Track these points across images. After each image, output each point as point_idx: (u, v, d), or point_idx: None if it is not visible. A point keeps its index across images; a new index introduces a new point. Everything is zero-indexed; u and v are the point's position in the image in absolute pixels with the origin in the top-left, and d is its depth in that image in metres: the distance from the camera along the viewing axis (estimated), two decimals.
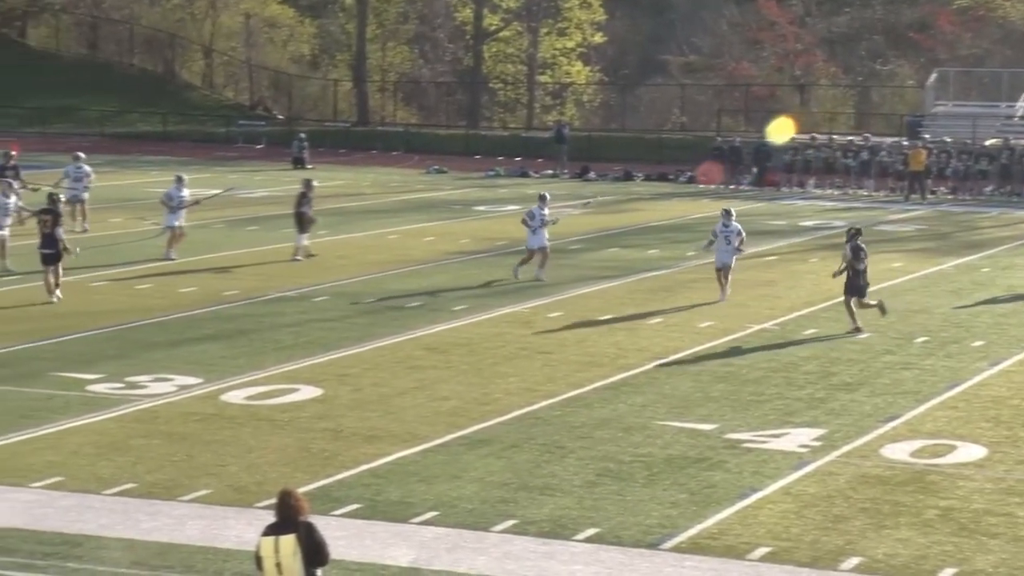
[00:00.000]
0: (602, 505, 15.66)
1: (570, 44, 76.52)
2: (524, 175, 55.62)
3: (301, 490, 11.60)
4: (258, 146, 65.47)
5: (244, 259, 32.51)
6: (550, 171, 56.31)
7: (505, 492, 16.03)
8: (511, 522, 15.06)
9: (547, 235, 30.63)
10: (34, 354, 22.62)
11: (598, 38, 76.20)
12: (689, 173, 53.96)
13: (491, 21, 76.23)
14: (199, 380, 20.95)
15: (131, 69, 79.39)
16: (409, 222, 40.15)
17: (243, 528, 14.44)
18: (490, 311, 26.75)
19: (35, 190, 36.00)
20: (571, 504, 15.68)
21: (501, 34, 77.26)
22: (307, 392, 20.40)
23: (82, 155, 38.61)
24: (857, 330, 24.97)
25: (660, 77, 78.81)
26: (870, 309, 25.35)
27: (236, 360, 22.34)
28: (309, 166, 56.07)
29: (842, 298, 25.33)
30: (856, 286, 25.07)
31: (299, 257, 32.30)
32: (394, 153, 62.88)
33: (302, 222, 32.83)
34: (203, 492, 15.88)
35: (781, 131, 53.32)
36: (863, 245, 25.29)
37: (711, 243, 28.53)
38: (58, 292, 27.17)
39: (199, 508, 15.38)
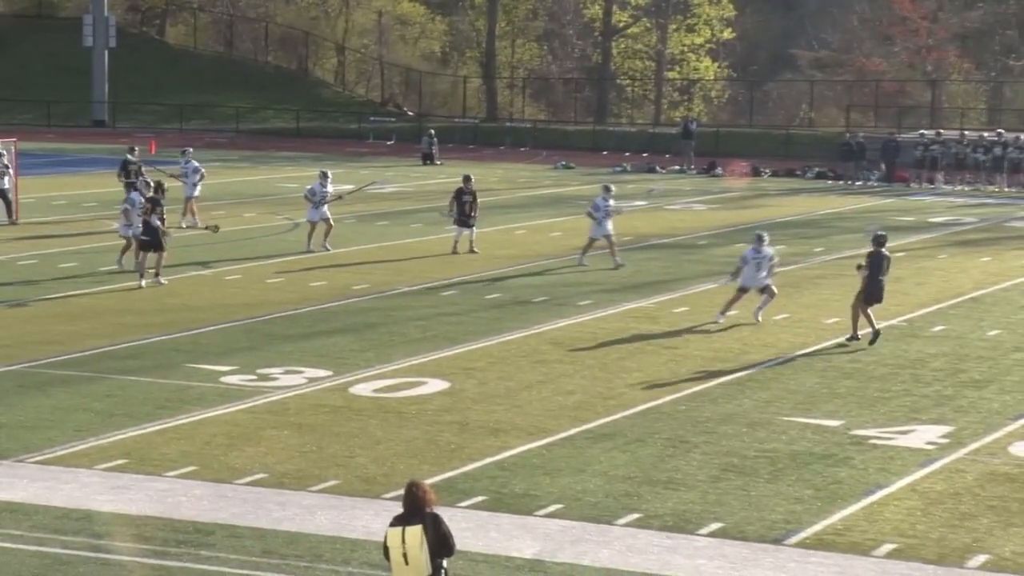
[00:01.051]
0: (726, 500, 15.58)
1: (699, 40, 76.15)
2: (651, 171, 55.49)
3: (428, 482, 11.65)
4: (388, 142, 65.98)
5: (375, 254, 32.76)
6: (677, 167, 56.12)
7: (629, 486, 16.01)
8: (635, 516, 15.04)
9: (611, 225, 31.12)
10: (170, 346, 23.00)
11: (727, 34, 75.75)
12: (817, 169, 53.47)
13: (620, 17, 76.07)
14: (328, 372, 21.16)
15: (265, 66, 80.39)
16: (537, 217, 40.20)
17: (371, 519, 14.56)
18: (615, 306, 26.71)
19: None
20: (695, 499, 15.62)
21: (630, 30, 77.07)
22: (434, 385, 20.52)
23: (190, 150, 38.87)
24: (854, 338, 23.47)
25: (789, 73, 78.14)
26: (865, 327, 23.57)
27: (364, 353, 22.53)
28: (439, 162, 56.42)
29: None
30: (872, 294, 23.35)
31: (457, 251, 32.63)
32: (522, 149, 63.02)
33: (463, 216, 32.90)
34: (332, 483, 16.04)
35: None
36: (887, 254, 23.57)
37: (738, 271, 25.31)
38: (161, 279, 28.03)
39: (328, 498, 15.53)
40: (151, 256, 28.43)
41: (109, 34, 73.23)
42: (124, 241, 30.03)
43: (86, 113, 73.29)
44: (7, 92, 72.78)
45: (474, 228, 32.93)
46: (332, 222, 33.09)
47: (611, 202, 31.37)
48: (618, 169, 55.72)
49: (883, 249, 23.63)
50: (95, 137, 67.01)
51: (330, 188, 33.33)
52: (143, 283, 27.78)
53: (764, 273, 25.12)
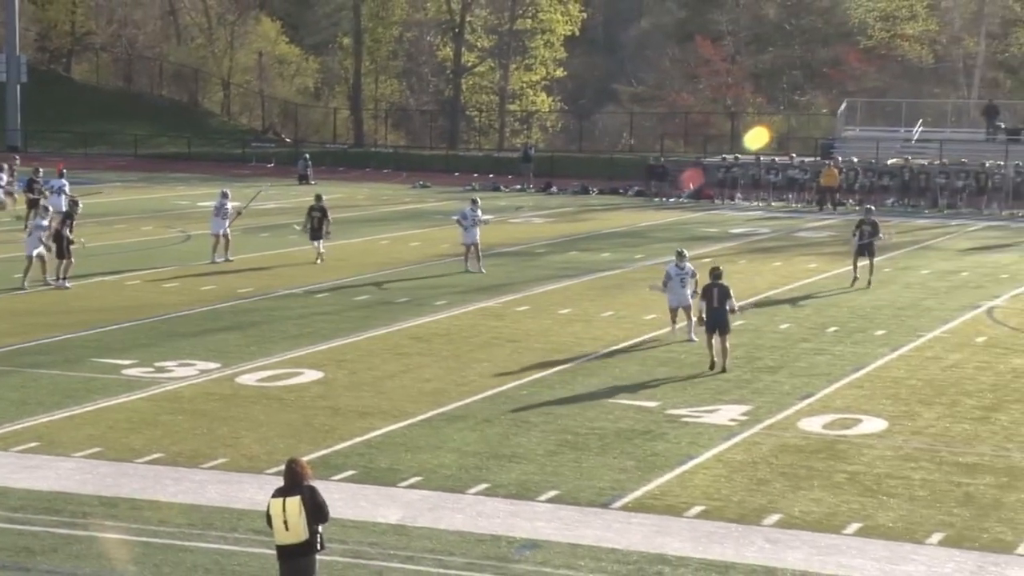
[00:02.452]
0: (561, 471, 15.66)
1: (535, 77, 76.46)
2: (496, 189, 55.54)
3: (305, 458, 11.54)
4: (269, 165, 65.22)
5: (258, 261, 32.37)
6: (518, 186, 56.24)
7: (478, 460, 16.02)
8: (484, 486, 15.05)
9: (478, 233, 31.04)
10: (77, 343, 22.50)
11: (559, 72, 76.20)
12: (636, 187, 53.99)
13: (468, 58, 76.12)
14: (218, 365, 20.86)
15: (160, 99, 79.03)
16: (399, 229, 40.06)
17: (255, 491, 14.40)
18: (467, 305, 26.71)
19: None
20: (535, 470, 15.67)
21: (477, 69, 77.14)
22: (310, 375, 20.34)
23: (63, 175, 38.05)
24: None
25: (612, 105, 78.86)
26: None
27: (249, 348, 22.25)
28: (313, 182, 55.91)
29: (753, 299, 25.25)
30: (714, 322, 21.01)
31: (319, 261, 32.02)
32: (385, 171, 62.73)
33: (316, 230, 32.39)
34: (221, 460, 15.82)
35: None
36: (724, 284, 21.23)
37: (665, 285, 23.41)
38: (67, 283, 27.75)
39: (217, 474, 15.32)
40: (61, 263, 27.74)
41: (21, 70, 71.49)
42: (28, 261, 28.25)
43: (1, 140, 71.31)
44: None
45: (322, 241, 32.19)
46: (230, 236, 32.52)
47: (479, 212, 31.31)
48: (468, 188, 55.66)
49: (720, 281, 21.15)
50: (8, 161, 65.09)
51: (230, 205, 32.76)
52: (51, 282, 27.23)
53: (689, 290, 23.08)
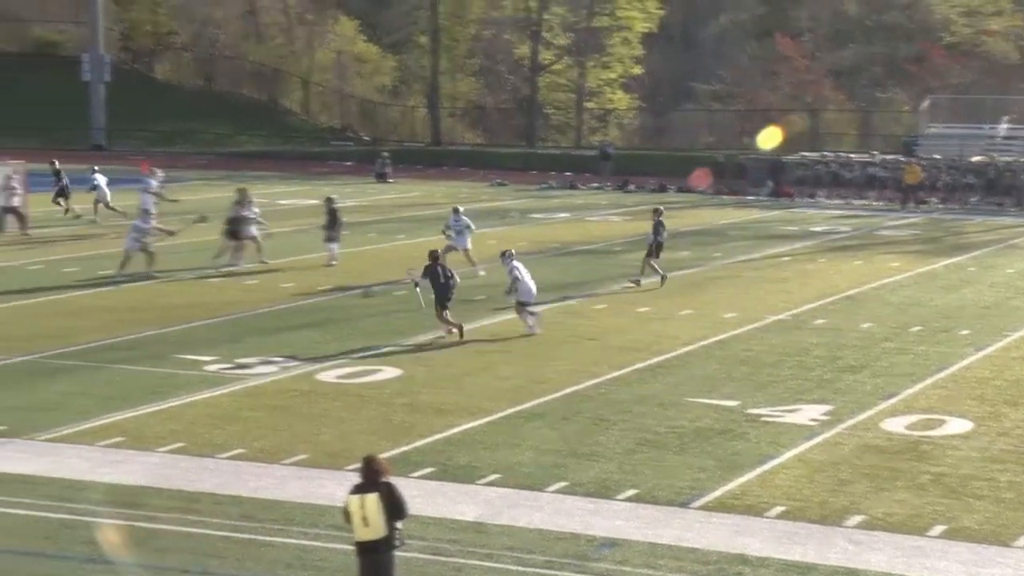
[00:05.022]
0: (640, 469, 15.61)
1: (613, 75, 76.30)
2: (573, 188, 55.49)
3: (383, 455, 11.60)
4: (347, 163, 65.65)
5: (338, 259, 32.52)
6: (595, 184, 56.16)
7: (557, 458, 16.00)
8: (562, 483, 15.04)
9: (469, 240, 30.59)
10: (161, 339, 22.78)
11: (637, 70, 75.95)
12: (715, 186, 53.66)
13: (545, 56, 76.11)
14: (298, 362, 21.03)
15: (241, 98, 79.86)
16: (476, 227, 40.07)
17: (335, 487, 14.48)
18: (545, 303, 26.66)
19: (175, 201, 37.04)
20: (613, 468, 15.63)
21: (554, 67, 77.12)
22: (389, 372, 20.44)
23: (158, 172, 38.30)
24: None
25: (690, 103, 78.45)
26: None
27: (329, 345, 22.41)
28: (391, 180, 56.21)
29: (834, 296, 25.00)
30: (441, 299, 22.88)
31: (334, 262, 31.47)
32: (462, 169, 62.89)
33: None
34: (301, 456, 15.94)
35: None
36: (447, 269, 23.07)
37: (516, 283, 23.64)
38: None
39: (298, 470, 15.44)
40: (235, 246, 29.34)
41: (105, 70, 72.58)
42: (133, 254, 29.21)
43: (86, 139, 72.45)
44: (16, 121, 71.77)
45: (335, 244, 31.65)
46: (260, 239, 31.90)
47: (463, 219, 31.03)
48: (544, 186, 55.69)
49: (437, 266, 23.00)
50: (94, 159, 66.11)
51: (257, 210, 32.26)
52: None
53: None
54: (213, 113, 75.62)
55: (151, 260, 29.41)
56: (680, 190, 53.96)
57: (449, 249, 30.27)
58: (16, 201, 36.38)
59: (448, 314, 23.08)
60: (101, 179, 39.84)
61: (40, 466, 15.38)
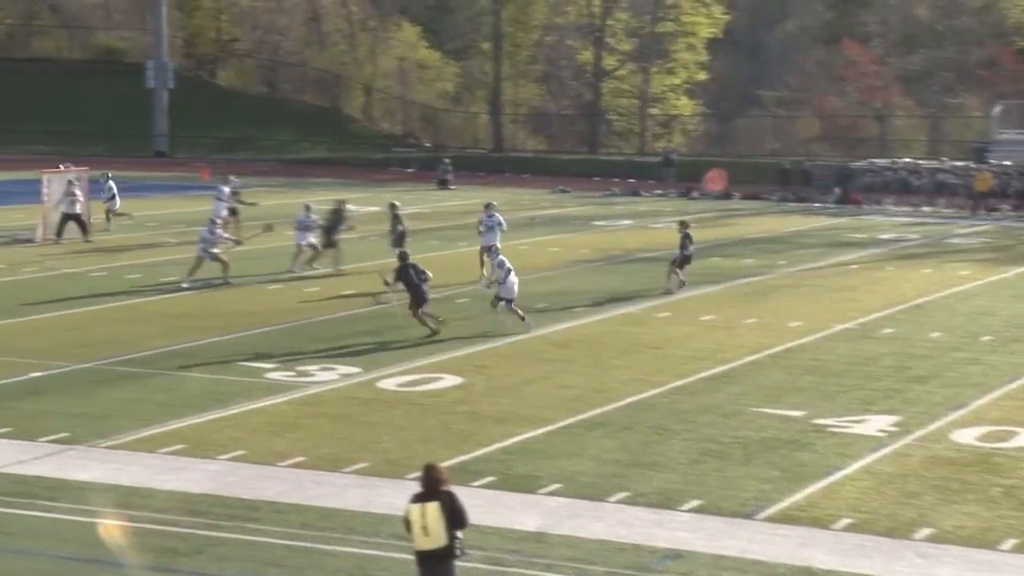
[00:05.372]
0: (704, 480, 15.51)
1: (677, 81, 76.04)
2: (636, 194, 55.35)
3: (443, 464, 11.60)
4: (409, 170, 65.87)
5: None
6: (659, 191, 55.98)
7: (619, 468, 15.94)
8: (624, 494, 14.97)
9: (497, 237, 30.43)
10: (222, 346, 22.94)
11: (701, 76, 75.66)
12: (780, 192, 53.32)
13: (609, 62, 76.03)
14: (358, 369, 21.10)
15: (303, 105, 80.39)
16: (537, 235, 40.14)
17: (395, 496, 14.49)
18: (606, 312, 26.63)
19: (252, 204, 37.33)
20: (677, 479, 15.55)
21: (617, 73, 77.01)
22: (449, 380, 20.46)
23: (232, 179, 38.65)
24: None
25: (756, 109, 78.03)
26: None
27: (389, 352, 22.47)
28: (452, 187, 56.34)
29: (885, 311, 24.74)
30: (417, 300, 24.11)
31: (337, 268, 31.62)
32: (524, 175, 62.92)
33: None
34: (361, 465, 15.99)
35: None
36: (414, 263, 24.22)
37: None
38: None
39: (358, 478, 15.48)
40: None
41: (168, 77, 73.35)
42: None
43: (148, 145, 73.28)
44: (79, 127, 72.74)
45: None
46: (317, 247, 32.05)
47: (496, 216, 31.10)
48: (607, 193, 55.60)
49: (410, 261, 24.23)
50: (156, 166, 66.96)
51: (314, 217, 32.54)
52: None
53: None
54: (275, 120, 76.18)
55: (225, 268, 29.62)
56: (744, 197, 53.66)
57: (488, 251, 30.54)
58: (78, 208, 36.81)
59: (427, 310, 23.91)
60: (113, 187, 39.88)
61: (102, 473, 15.53)
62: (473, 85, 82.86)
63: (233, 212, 36.16)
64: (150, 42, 77.22)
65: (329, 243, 31.79)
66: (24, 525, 13.81)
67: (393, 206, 32.65)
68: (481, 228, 31.15)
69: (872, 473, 15.83)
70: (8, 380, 20.12)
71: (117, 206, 39.96)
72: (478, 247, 31.20)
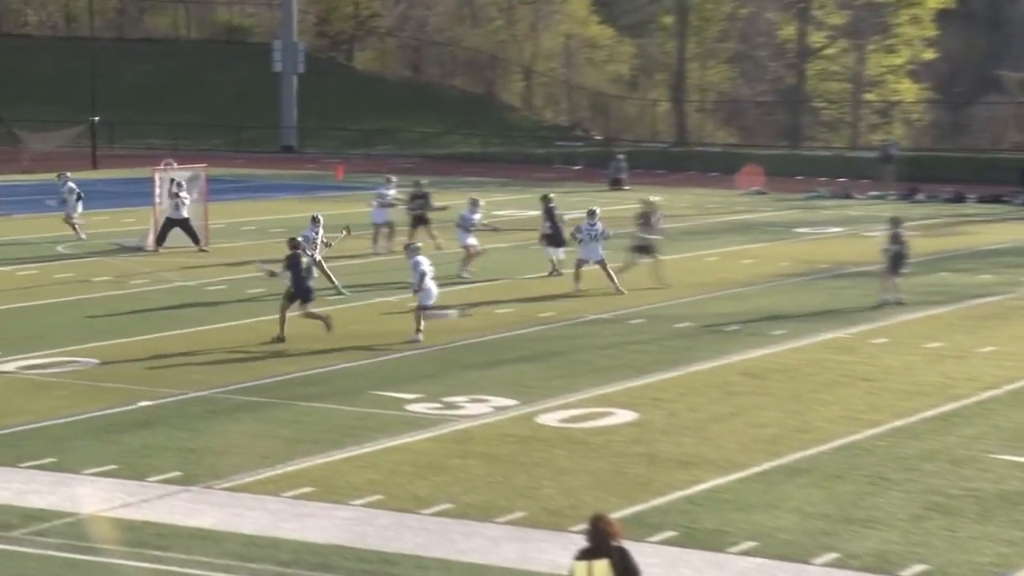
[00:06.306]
0: (930, 541, 15.22)
1: (898, 61, 75.03)
2: (848, 196, 54.72)
3: (614, 515, 11.58)
4: (575, 167, 66.10)
5: (560, 282, 32.70)
6: (875, 192, 55.26)
7: (826, 524, 15.73)
8: (832, 555, 14.77)
9: (600, 249, 31.25)
10: (355, 372, 23.26)
11: (929, 55, 74.45)
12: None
13: (815, 38, 75.35)
14: (514, 401, 21.19)
15: (452, 91, 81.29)
16: (727, 244, 39.91)
17: (557, 552, 14.50)
18: (811, 336, 26.34)
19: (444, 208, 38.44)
20: (896, 538, 15.28)
21: (825, 51, 76.28)
22: (622, 416, 20.43)
23: (393, 179, 39.52)
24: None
25: (995, 95, 76.48)
26: None
27: (551, 382, 22.53)
28: (626, 187, 56.36)
29: None
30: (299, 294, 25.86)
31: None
32: (712, 174, 62.66)
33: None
34: (518, 514, 16.03)
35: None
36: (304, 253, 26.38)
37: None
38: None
39: (514, 530, 15.53)
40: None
41: (298, 59, 74.71)
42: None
43: (274, 139, 74.85)
44: (198, 117, 74.69)
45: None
46: (478, 249, 33.84)
47: (598, 225, 31.38)
48: (812, 195, 55.07)
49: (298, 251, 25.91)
50: (283, 163, 68.37)
51: (478, 216, 34.30)
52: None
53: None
54: (420, 108, 77.18)
55: (330, 276, 30.30)
56: (980, 200, 52.62)
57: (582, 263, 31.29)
58: (184, 212, 37.64)
59: (309, 308, 25.60)
60: (75, 188, 40.02)
61: (218, 519, 15.84)
62: (652, 67, 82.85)
63: (422, 220, 37.06)
64: (278, 19, 78.97)
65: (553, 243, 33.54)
66: None
67: (546, 198, 34.26)
68: (580, 237, 31.51)
69: None
70: (113, 410, 20.68)
71: (79, 211, 40.03)
72: (646, 259, 31.76)
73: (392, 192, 38.04)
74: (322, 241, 30.82)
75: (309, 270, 25.98)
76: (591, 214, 31.92)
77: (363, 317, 28.24)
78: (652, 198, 35.65)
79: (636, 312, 28.85)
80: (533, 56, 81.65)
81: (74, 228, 39.51)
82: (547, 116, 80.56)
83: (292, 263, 25.70)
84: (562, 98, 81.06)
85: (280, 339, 25.40)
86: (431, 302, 25.72)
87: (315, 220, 31.27)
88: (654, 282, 31.58)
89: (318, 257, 29.98)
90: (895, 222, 30.86)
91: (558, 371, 23.37)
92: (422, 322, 25.60)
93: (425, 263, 25.79)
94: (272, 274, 26.43)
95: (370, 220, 37.69)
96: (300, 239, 27.36)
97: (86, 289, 31.42)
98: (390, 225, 37.06)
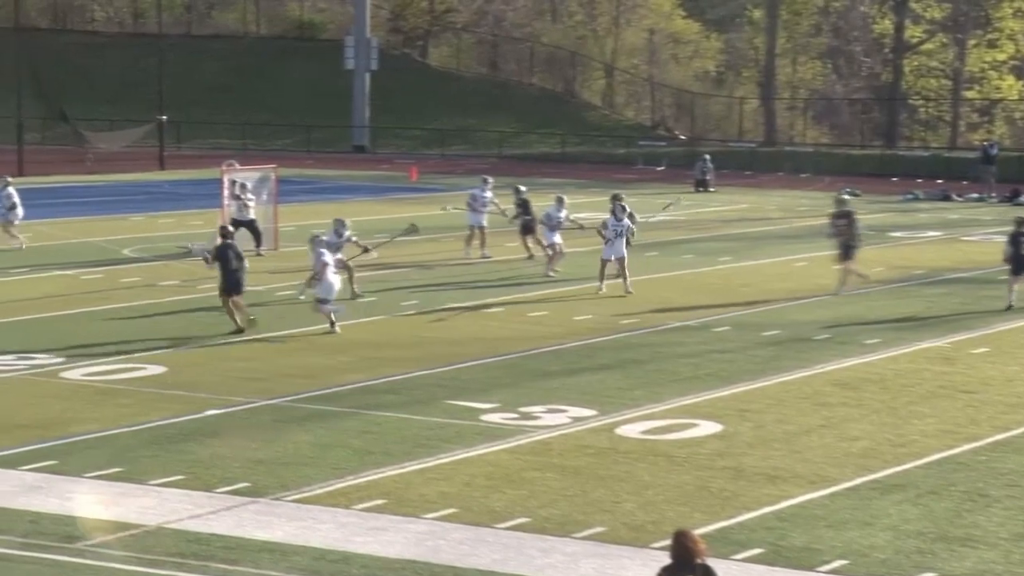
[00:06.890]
0: None
1: (1001, 56, 74.41)
2: (946, 198, 54.32)
3: (698, 531, 11.57)
4: (658, 168, 66.02)
5: (643, 287, 32.65)
6: (976, 194, 54.81)
7: (922, 542, 15.63)
8: (928, 575, 14.67)
9: (624, 246, 31.48)
10: (428, 381, 23.34)
11: None
12: None
13: (913, 33, 74.84)
14: (594, 412, 21.20)
15: (530, 88, 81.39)
16: (818, 248, 39.58)
17: (638, 569, 14.50)
18: (906, 345, 26.16)
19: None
20: (997, 558, 15.15)
21: (923, 47, 75.76)
22: (706, 427, 20.38)
23: (489, 180, 39.52)
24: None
25: None
26: None
27: (632, 392, 22.51)
28: (712, 189, 56.24)
29: None
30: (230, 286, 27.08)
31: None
32: (803, 175, 62.38)
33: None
34: (597, 529, 16.04)
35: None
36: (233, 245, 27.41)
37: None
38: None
39: (593, 546, 15.53)
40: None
41: (371, 56, 75.07)
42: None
43: (345, 138, 75.25)
44: (267, 116, 75.25)
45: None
46: (562, 248, 34.15)
47: (625, 220, 31.48)
48: (909, 197, 54.70)
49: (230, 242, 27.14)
50: (354, 164, 68.72)
51: (564, 212, 34.41)
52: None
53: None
54: (497, 107, 77.34)
55: (352, 285, 30.27)
56: None
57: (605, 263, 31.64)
58: (251, 214, 37.94)
59: (239, 300, 26.63)
60: (14, 194, 39.65)
61: (288, 532, 15.95)
62: (740, 63, 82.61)
63: (529, 229, 36.89)
64: (350, 15, 79.38)
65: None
66: None
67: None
68: (607, 234, 31.53)
69: None
70: (180, 419, 20.87)
71: (20, 217, 39.81)
72: (686, 262, 32.34)
73: (488, 194, 37.92)
74: (356, 244, 30.75)
75: (240, 259, 26.91)
76: (622, 209, 31.94)
77: (447, 324, 28.32)
78: (844, 195, 36.10)
79: (721, 319, 28.78)
80: (615, 52, 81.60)
81: (11, 235, 39.19)
82: (629, 115, 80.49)
83: (220, 253, 26.70)
84: (645, 96, 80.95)
85: (240, 330, 26.50)
86: (331, 296, 26.71)
87: (341, 223, 31.02)
88: (858, 282, 31.83)
89: (345, 259, 29.68)
90: (1020, 223, 30.36)
91: (639, 380, 23.35)
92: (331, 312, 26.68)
93: (328, 256, 26.51)
94: (205, 260, 27.55)
95: (465, 222, 37.92)
96: (324, 238, 27.72)
97: (152, 294, 31.73)
98: (482, 229, 37.16)
